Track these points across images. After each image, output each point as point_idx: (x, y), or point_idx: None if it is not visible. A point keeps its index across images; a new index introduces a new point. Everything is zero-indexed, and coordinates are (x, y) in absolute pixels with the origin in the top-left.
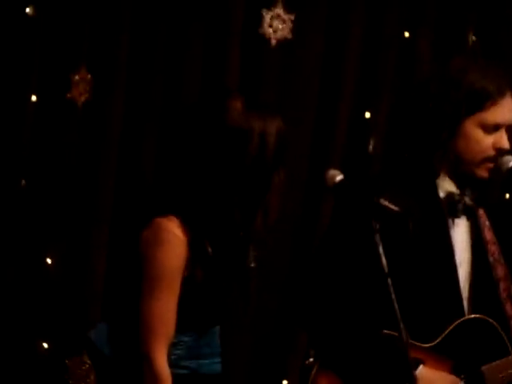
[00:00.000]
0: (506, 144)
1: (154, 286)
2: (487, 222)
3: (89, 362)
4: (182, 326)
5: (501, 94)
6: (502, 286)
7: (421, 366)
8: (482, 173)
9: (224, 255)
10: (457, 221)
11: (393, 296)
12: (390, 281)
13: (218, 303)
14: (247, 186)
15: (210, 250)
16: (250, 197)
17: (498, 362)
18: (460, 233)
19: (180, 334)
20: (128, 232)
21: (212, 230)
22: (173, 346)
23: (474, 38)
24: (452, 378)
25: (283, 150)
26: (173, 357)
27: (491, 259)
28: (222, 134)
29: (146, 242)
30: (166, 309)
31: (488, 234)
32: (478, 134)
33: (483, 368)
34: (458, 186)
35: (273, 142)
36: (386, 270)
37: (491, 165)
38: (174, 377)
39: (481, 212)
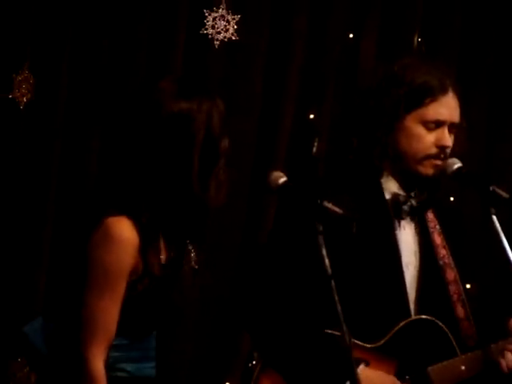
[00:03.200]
0: (447, 142)
1: (98, 287)
2: (437, 226)
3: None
4: (121, 329)
5: (442, 91)
6: (452, 288)
7: (361, 366)
8: (427, 170)
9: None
10: (403, 223)
11: (336, 298)
12: (332, 283)
13: (159, 308)
14: (198, 160)
15: (162, 256)
16: (204, 166)
17: (444, 362)
18: (406, 235)
19: (118, 337)
20: (75, 231)
21: (169, 219)
22: (110, 348)
23: (418, 39)
24: (392, 378)
25: (225, 122)
26: (110, 360)
27: (441, 263)
28: (161, 123)
29: (94, 243)
30: (107, 311)
31: (438, 238)
32: (420, 130)
33: (429, 369)
34: (404, 186)
35: (216, 119)
36: (329, 271)
37: (435, 162)
38: (111, 379)
39: (430, 216)
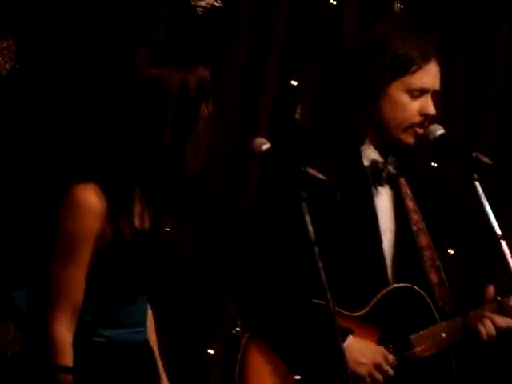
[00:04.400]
0: (431, 110)
1: (61, 254)
2: (409, 191)
3: (14, 329)
4: (95, 295)
5: (425, 60)
6: (425, 254)
7: (350, 337)
8: (408, 139)
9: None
10: (380, 189)
11: (319, 265)
12: (316, 249)
13: (140, 273)
14: (173, 123)
15: (137, 223)
16: (178, 130)
17: (425, 330)
18: (383, 201)
19: (93, 303)
20: (49, 199)
21: (142, 181)
22: (84, 312)
23: (400, 6)
24: (381, 349)
25: (206, 87)
26: (85, 325)
27: (414, 228)
28: (132, 88)
29: (60, 210)
30: (70, 276)
31: (410, 203)
32: (404, 98)
33: (411, 337)
34: (382, 153)
35: (192, 85)
36: (313, 238)
37: (418, 130)
38: (89, 344)
39: (402, 181)
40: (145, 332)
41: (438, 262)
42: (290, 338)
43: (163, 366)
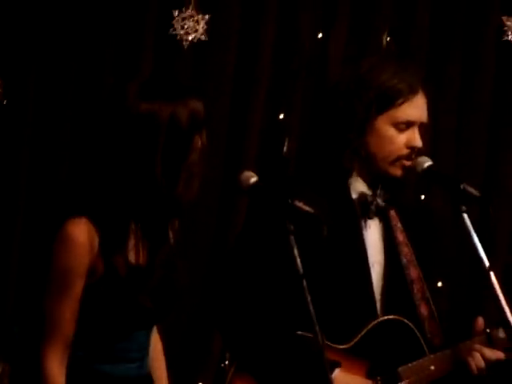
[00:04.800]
0: (418, 142)
1: (51, 288)
2: (399, 224)
3: (2, 365)
4: (89, 330)
5: (412, 92)
6: (415, 287)
7: (337, 370)
8: (396, 171)
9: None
10: (369, 222)
11: (308, 298)
12: (304, 282)
13: (135, 309)
14: (165, 155)
15: (132, 257)
16: (171, 162)
17: (414, 362)
18: (373, 234)
19: (88, 338)
20: (42, 233)
21: (136, 215)
22: (79, 347)
23: (388, 38)
24: (367, 382)
25: (198, 119)
26: (79, 358)
27: (404, 261)
28: (123, 124)
29: (54, 245)
30: (60, 311)
31: (400, 236)
32: (391, 132)
33: (399, 369)
34: (371, 186)
35: (184, 117)
36: (301, 271)
37: (405, 163)
38: (85, 379)
39: (392, 213)
40: (145, 367)
41: (427, 295)
42: (276, 371)
43: None
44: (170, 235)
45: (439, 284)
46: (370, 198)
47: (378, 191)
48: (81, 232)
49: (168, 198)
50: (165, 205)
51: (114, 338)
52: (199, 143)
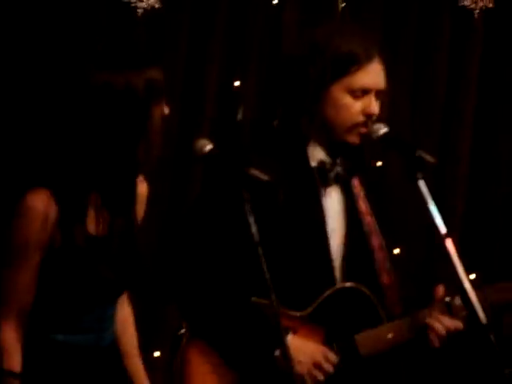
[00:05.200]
0: (375, 109)
1: (7, 258)
2: (362, 193)
3: None
4: (49, 301)
5: (368, 59)
6: (377, 255)
7: (290, 335)
8: (353, 139)
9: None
10: (329, 190)
11: (264, 265)
12: (260, 250)
13: (96, 280)
14: (123, 124)
15: (91, 228)
16: (129, 131)
17: (370, 330)
18: (333, 202)
19: (48, 308)
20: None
21: (96, 185)
22: (39, 318)
23: (342, 5)
24: (322, 347)
25: (155, 88)
26: (38, 328)
27: (366, 229)
28: (80, 94)
29: (13, 215)
30: (16, 280)
31: (363, 205)
32: (346, 99)
33: (356, 336)
34: (330, 154)
35: (140, 86)
36: (257, 238)
37: (363, 129)
38: (43, 347)
39: (355, 182)
40: (106, 338)
41: (389, 264)
42: (230, 337)
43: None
44: (129, 205)
45: (396, 251)
46: (328, 166)
47: (338, 159)
48: (40, 203)
49: (127, 165)
50: (124, 172)
51: (77, 308)
52: (158, 111)
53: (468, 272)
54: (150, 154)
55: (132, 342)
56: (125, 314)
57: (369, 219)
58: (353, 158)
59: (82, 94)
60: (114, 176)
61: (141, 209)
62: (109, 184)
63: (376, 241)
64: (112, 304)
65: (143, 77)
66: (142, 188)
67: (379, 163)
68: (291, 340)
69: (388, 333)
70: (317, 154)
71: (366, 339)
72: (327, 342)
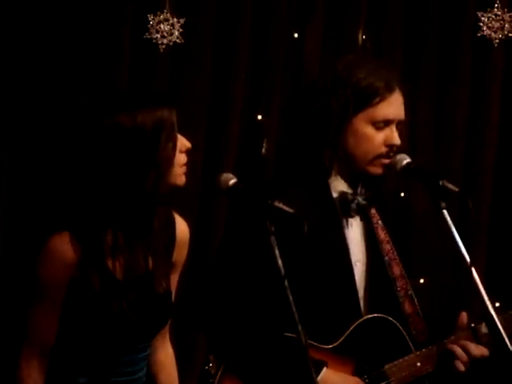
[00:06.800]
0: (396, 140)
1: (31, 299)
2: (380, 222)
3: None
4: (74, 343)
5: (389, 90)
6: (398, 284)
7: (324, 369)
8: (376, 170)
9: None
10: (351, 220)
11: (290, 298)
12: (286, 283)
13: (116, 322)
14: (133, 160)
15: (107, 264)
16: (139, 164)
17: (400, 359)
18: (354, 232)
19: (72, 350)
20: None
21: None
22: (63, 360)
23: (363, 36)
24: (355, 379)
25: (165, 125)
26: (61, 370)
27: (386, 258)
28: (96, 136)
29: (36, 258)
30: (38, 319)
31: (381, 233)
32: (369, 130)
33: (386, 366)
34: (351, 185)
35: (149, 124)
36: (283, 272)
37: (385, 161)
38: None
39: (373, 211)
40: (139, 381)
41: (410, 292)
42: (263, 372)
43: None
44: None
45: (421, 281)
46: (350, 197)
47: (359, 189)
48: (59, 245)
49: (138, 197)
50: (137, 204)
51: (101, 351)
52: (169, 145)
53: (492, 300)
54: (161, 185)
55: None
56: (164, 355)
57: (388, 247)
58: (373, 188)
59: (96, 137)
60: (128, 208)
61: (180, 253)
62: (124, 218)
63: (397, 269)
64: (144, 347)
65: (152, 115)
66: (183, 232)
67: (402, 194)
68: (326, 373)
69: (416, 362)
70: (338, 186)
71: (396, 369)
72: (357, 372)
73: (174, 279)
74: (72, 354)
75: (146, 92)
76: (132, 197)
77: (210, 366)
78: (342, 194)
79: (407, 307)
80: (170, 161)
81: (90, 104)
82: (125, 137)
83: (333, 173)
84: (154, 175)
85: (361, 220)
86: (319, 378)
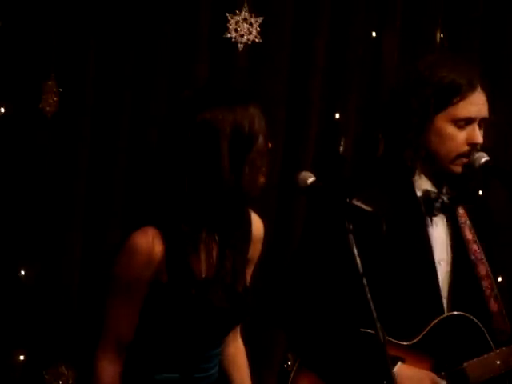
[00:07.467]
0: (479, 138)
1: (111, 294)
2: (468, 221)
3: (66, 372)
4: (152, 338)
5: (471, 88)
6: (484, 283)
7: (399, 363)
8: (457, 168)
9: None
10: (435, 219)
11: (368, 296)
12: (364, 281)
13: (199, 321)
14: (230, 161)
15: (202, 268)
16: (235, 165)
17: (479, 358)
18: (439, 231)
19: (152, 347)
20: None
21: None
22: (142, 356)
23: (441, 35)
24: (431, 374)
25: (259, 124)
26: (141, 366)
27: (472, 258)
28: (186, 133)
29: (119, 252)
30: (116, 312)
31: (469, 233)
32: (450, 129)
33: (465, 364)
34: (435, 184)
35: (245, 123)
36: (361, 270)
37: (465, 160)
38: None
39: (461, 211)
40: (212, 378)
41: (496, 291)
42: (340, 368)
43: None
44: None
45: (499, 279)
46: (434, 195)
47: (443, 188)
48: (143, 240)
49: (235, 193)
50: (231, 202)
51: (179, 348)
52: (262, 143)
53: None
54: (255, 182)
55: (242, 380)
56: (234, 349)
57: (475, 247)
58: (457, 187)
59: (189, 132)
60: (222, 207)
61: (256, 250)
62: (217, 217)
63: (483, 269)
64: (219, 343)
65: (248, 114)
66: (258, 229)
67: (480, 192)
68: (400, 368)
69: (496, 360)
70: (422, 184)
71: (476, 366)
72: (435, 369)
73: (248, 275)
74: (151, 351)
75: (233, 90)
76: (229, 196)
77: (288, 364)
78: (426, 193)
79: (493, 306)
80: (263, 157)
81: (179, 101)
82: (222, 135)
83: (416, 172)
84: (248, 172)
85: (447, 219)
86: (393, 371)
